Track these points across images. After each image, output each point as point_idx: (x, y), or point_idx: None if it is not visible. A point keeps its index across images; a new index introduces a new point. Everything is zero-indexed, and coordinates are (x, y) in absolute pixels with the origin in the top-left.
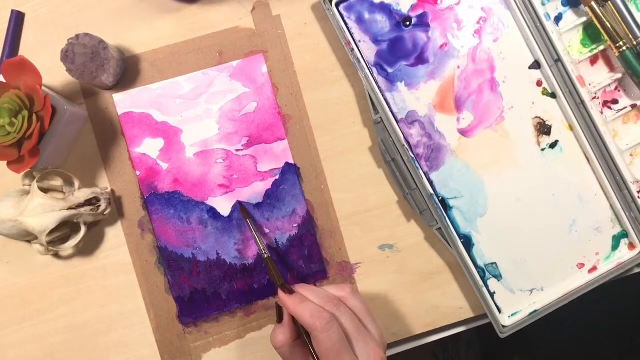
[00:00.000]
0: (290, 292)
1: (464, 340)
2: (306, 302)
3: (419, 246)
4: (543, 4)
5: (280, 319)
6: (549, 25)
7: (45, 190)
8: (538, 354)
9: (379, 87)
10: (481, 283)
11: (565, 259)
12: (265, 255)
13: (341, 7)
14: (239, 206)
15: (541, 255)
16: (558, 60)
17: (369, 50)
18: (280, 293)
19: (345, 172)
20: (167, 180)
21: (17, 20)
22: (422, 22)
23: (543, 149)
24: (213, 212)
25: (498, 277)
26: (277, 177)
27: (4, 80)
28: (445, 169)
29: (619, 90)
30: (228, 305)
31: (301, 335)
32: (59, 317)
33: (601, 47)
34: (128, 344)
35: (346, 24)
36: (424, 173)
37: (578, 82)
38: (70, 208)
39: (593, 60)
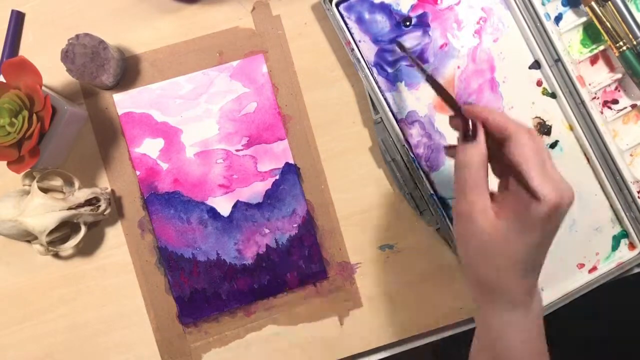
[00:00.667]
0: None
1: (465, 340)
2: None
3: (419, 246)
4: (543, 4)
5: (472, 137)
6: (549, 25)
7: (45, 190)
8: None
9: (379, 87)
10: None
11: (565, 259)
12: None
13: (341, 7)
14: (397, 43)
15: None
16: (558, 60)
17: (369, 50)
18: (475, 107)
19: (345, 172)
20: (167, 180)
21: (17, 20)
22: (422, 22)
23: None
24: (213, 212)
25: None
26: (277, 177)
27: (4, 80)
28: (445, 169)
29: (619, 90)
30: (228, 305)
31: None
32: (59, 317)
33: (601, 47)
34: (128, 344)
35: (346, 24)
36: (424, 173)
37: (578, 82)
38: (70, 208)
39: (593, 60)
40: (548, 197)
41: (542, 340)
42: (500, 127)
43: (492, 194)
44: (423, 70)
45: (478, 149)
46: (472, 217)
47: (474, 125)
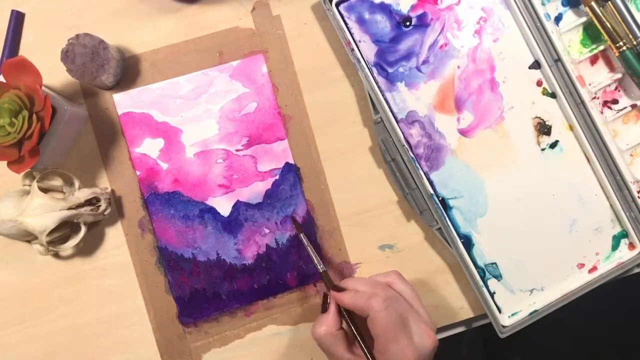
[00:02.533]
0: (341, 290)
1: (467, 340)
2: (358, 293)
3: (419, 246)
4: (543, 4)
5: (324, 309)
6: (549, 25)
7: (45, 190)
8: (538, 354)
9: (379, 87)
10: (481, 283)
11: (565, 259)
12: (321, 270)
13: (341, 7)
14: (292, 220)
15: (541, 255)
16: (558, 60)
17: (369, 50)
18: (334, 294)
19: (345, 172)
20: (167, 180)
21: (17, 20)
22: (422, 22)
23: (543, 149)
24: (213, 212)
25: (498, 277)
26: (277, 177)
27: (4, 80)
28: (445, 169)
29: (619, 90)
30: (228, 305)
31: (346, 322)
32: (59, 317)
33: (601, 47)
34: (128, 344)
35: (346, 24)
36: (424, 173)
37: (578, 82)
38: (70, 208)
39: (593, 60)
40: None
41: None
42: (356, 309)
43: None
44: (316, 262)
45: (327, 320)
46: None
47: (325, 299)
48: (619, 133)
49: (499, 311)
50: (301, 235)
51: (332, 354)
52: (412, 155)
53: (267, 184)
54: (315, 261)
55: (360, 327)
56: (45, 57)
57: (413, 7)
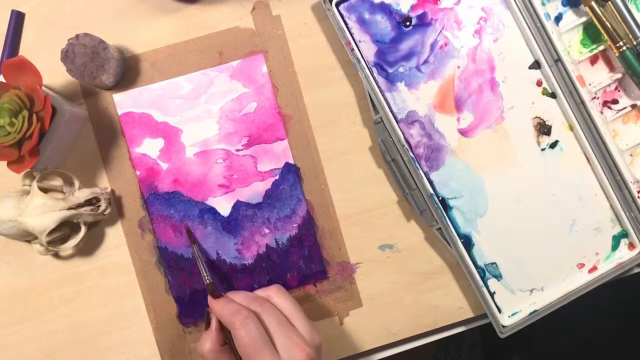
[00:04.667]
0: (220, 297)
1: (467, 341)
2: (230, 303)
3: (419, 246)
4: (543, 4)
5: (208, 325)
6: (549, 25)
7: (45, 190)
8: (538, 354)
9: (379, 87)
10: (481, 283)
11: (565, 259)
12: (208, 281)
13: (341, 7)
14: (186, 229)
15: (541, 255)
16: (558, 60)
17: (369, 50)
18: (209, 298)
19: (345, 172)
20: (167, 180)
21: (17, 20)
22: (422, 22)
23: (543, 149)
24: (213, 212)
25: (498, 277)
26: (277, 177)
27: (4, 80)
28: (445, 169)
29: (619, 90)
30: None
31: (228, 340)
32: (59, 317)
33: (601, 47)
34: (128, 344)
35: (346, 24)
36: (424, 173)
37: (578, 82)
38: (70, 208)
39: (593, 60)
40: None
41: None
42: (222, 322)
43: None
44: (204, 275)
45: (210, 336)
46: None
47: (209, 316)
48: (619, 133)
49: (499, 311)
50: (194, 246)
51: None
52: (412, 155)
53: (267, 184)
54: (203, 273)
55: None
56: (45, 57)
57: (413, 7)
